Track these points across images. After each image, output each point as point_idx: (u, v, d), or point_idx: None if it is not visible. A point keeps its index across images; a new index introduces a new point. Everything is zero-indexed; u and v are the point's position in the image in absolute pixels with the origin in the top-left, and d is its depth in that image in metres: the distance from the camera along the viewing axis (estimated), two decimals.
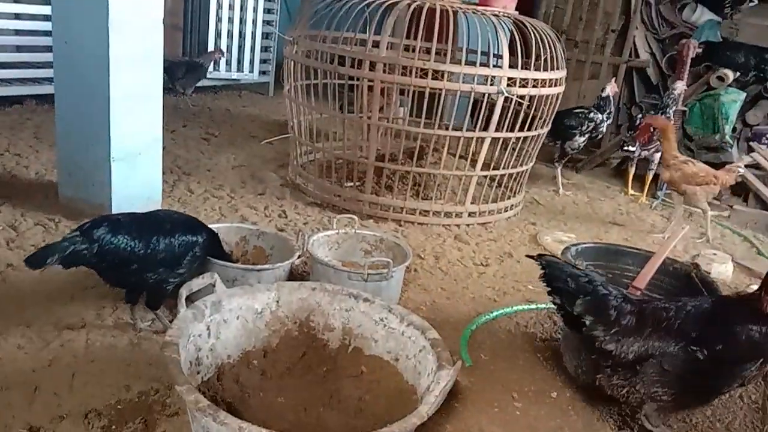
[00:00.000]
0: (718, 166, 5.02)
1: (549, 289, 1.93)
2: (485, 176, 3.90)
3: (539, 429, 2.01)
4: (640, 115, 5.23)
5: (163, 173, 3.38)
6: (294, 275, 2.74)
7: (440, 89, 3.53)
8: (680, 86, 4.67)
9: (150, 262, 2.15)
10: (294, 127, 4.10)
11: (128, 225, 2.14)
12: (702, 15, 5.63)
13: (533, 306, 2.85)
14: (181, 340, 1.65)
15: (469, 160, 3.96)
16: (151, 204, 2.93)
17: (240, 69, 6.86)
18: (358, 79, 3.72)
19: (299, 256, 2.63)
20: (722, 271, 3.41)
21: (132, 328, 2.24)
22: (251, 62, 6.96)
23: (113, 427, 1.75)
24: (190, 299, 1.88)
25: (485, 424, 1.99)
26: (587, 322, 1.84)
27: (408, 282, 2.92)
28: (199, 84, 6.19)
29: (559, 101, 4.02)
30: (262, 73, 7.18)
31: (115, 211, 2.93)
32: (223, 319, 1.89)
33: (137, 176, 3.09)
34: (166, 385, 1.92)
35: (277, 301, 2.02)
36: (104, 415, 1.79)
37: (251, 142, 5.05)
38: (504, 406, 2.10)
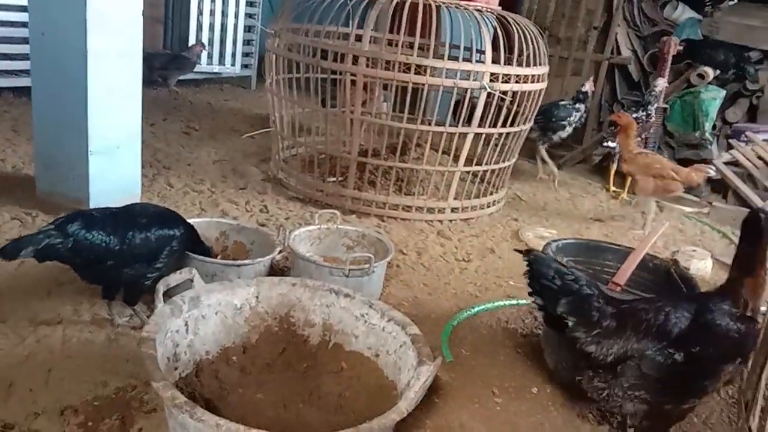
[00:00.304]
0: (696, 162, 5.11)
1: (531, 286, 1.88)
2: (468, 172, 3.90)
3: (519, 425, 2.02)
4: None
5: (143, 167, 3.33)
6: (275, 271, 2.72)
7: (423, 84, 3.52)
8: (661, 83, 4.71)
9: (126, 257, 2.12)
10: (276, 122, 4.07)
11: (103, 220, 2.11)
12: (683, 13, 5.67)
13: (514, 302, 2.86)
14: (158, 335, 1.63)
15: (452, 155, 3.97)
16: (129, 198, 2.89)
17: (222, 62, 6.80)
18: (340, 73, 3.70)
19: (280, 252, 2.61)
20: (701, 267, 3.44)
21: (109, 324, 2.21)
22: (233, 55, 6.90)
23: (90, 423, 1.73)
24: (168, 294, 1.85)
25: (465, 420, 1.99)
26: (570, 323, 1.79)
27: (390, 277, 2.91)
28: (181, 77, 6.12)
29: (541, 97, 4.04)
30: (245, 66, 7.12)
31: (93, 205, 2.89)
32: (201, 315, 1.87)
33: (116, 170, 3.04)
34: (143, 381, 1.89)
35: (257, 297, 2.00)
36: (80, 411, 1.76)
37: (233, 136, 5.01)
38: (484, 402, 2.10)
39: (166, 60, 5.87)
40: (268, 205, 3.62)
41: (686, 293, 1.99)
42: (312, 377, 1.94)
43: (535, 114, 4.11)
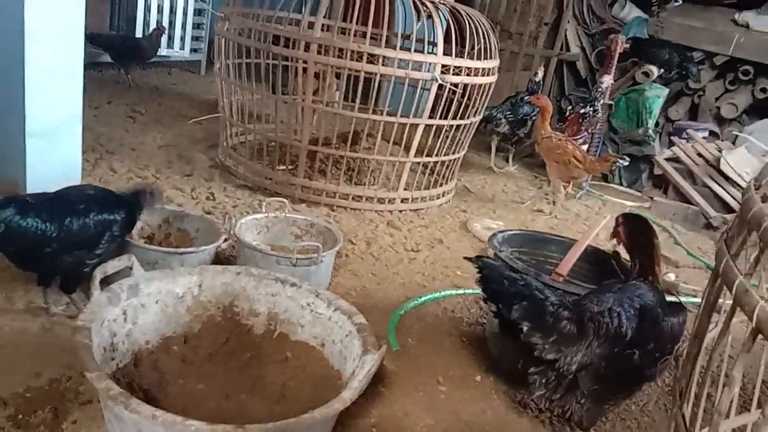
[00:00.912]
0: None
1: (484, 292, 1.83)
2: (418, 163, 3.91)
3: (463, 412, 2.04)
4: (570, 107, 5.38)
5: (84, 151, 3.21)
6: (220, 260, 2.67)
7: (375, 73, 3.50)
8: (607, 80, 4.82)
9: (64, 244, 2.04)
10: (224, 107, 3.99)
11: (38, 206, 2.02)
12: (630, 12, 5.81)
13: (461, 291, 2.89)
14: (93, 324, 1.58)
15: (402, 146, 3.97)
16: (69, 184, 2.78)
17: (170, 45, 6.61)
18: (291, 60, 3.65)
19: (225, 240, 2.56)
20: None
21: (44, 313, 2.13)
22: (182, 39, 6.72)
23: (20, 416, 1.66)
24: (107, 283, 1.79)
25: (410, 408, 2.00)
26: (524, 329, 1.73)
27: (339, 267, 2.90)
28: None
29: (491, 90, 4.07)
30: (194, 50, 6.95)
31: (30, 190, 2.76)
32: (140, 304, 1.82)
33: (54, 153, 2.92)
34: (79, 372, 1.83)
35: (200, 286, 1.96)
36: (11, 404, 1.69)
37: (180, 122, 4.89)
38: (429, 390, 2.12)
39: (118, 43, 5.72)
40: (215, 192, 3.55)
41: (617, 283, 1.99)
42: (256, 367, 1.92)
43: (485, 106, 4.15)
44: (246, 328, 2.01)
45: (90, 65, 5.72)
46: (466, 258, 2.11)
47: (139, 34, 6.22)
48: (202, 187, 3.60)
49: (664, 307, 1.82)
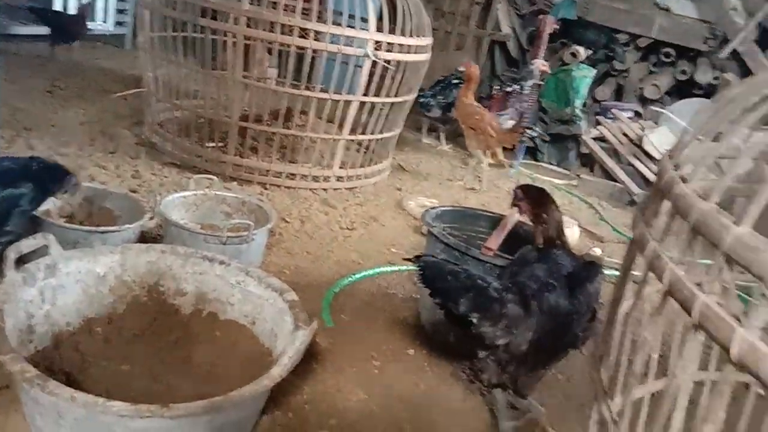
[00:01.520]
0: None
1: (428, 288, 1.83)
2: (353, 140, 3.89)
3: (396, 386, 2.06)
4: (497, 87, 5.46)
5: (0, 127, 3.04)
6: (146, 240, 2.58)
7: (307, 48, 3.44)
8: (538, 62, 4.92)
9: None
10: (149, 82, 3.84)
11: None
12: None
13: (395, 268, 2.91)
14: (7, 306, 1.50)
15: (336, 124, 3.93)
16: None
17: (93, 18, 6.30)
18: (219, 33, 3.54)
19: (151, 218, 2.48)
20: (569, 234, 3.64)
21: None
22: (105, 11, 6.42)
23: None
24: (23, 262, 1.70)
25: (344, 384, 2.00)
26: (474, 320, 1.73)
27: (272, 246, 2.86)
28: (44, 32, 5.62)
29: (425, 68, 4.08)
30: (119, 24, 6.65)
31: None
32: (59, 284, 1.74)
33: None
34: None
35: (122, 265, 1.89)
36: None
37: (103, 97, 4.67)
38: (363, 366, 2.13)
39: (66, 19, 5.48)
40: (141, 170, 3.43)
41: (533, 251, 2.03)
42: (183, 347, 1.87)
43: (419, 85, 4.16)
44: (173, 308, 1.95)
45: (3, 37, 5.40)
46: (405, 259, 2.11)
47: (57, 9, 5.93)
48: (126, 164, 3.47)
49: (585, 268, 1.89)
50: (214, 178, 2.82)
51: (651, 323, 0.82)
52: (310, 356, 2.05)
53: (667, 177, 0.82)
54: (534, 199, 2.10)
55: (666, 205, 0.83)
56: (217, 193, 2.79)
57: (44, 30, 5.57)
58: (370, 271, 2.83)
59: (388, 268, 2.90)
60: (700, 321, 0.66)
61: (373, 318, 2.46)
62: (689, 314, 0.67)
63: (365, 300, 2.60)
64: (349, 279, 2.72)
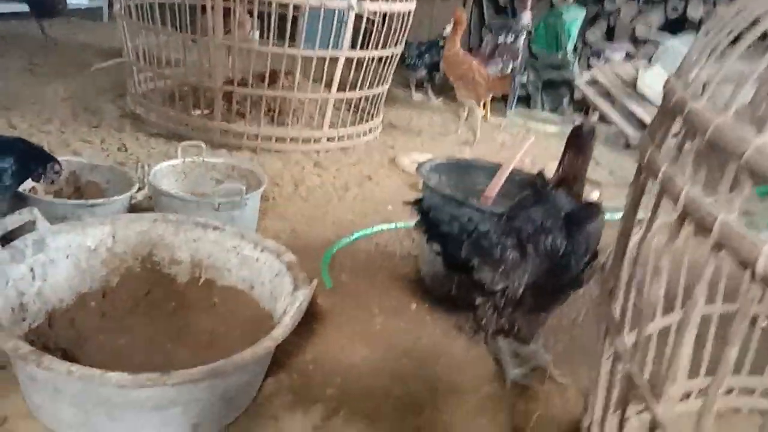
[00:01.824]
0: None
1: (426, 233, 1.80)
2: (342, 99, 3.80)
3: (399, 341, 2.03)
4: (488, 37, 5.34)
5: None
6: (137, 211, 2.52)
7: (288, 5, 3.33)
8: (527, 17, 4.80)
9: None
10: (129, 52, 3.73)
11: None
12: None
13: (392, 225, 2.86)
14: None
15: (324, 82, 3.84)
16: None
17: None
18: None
19: (140, 189, 2.42)
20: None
21: None
22: None
23: None
24: (9, 240, 1.65)
25: (346, 342, 1.97)
26: (475, 265, 1.69)
27: (266, 211, 2.80)
28: (18, 9, 5.47)
29: (411, 19, 3.97)
30: None
31: None
32: (49, 260, 1.69)
33: None
34: None
35: (113, 236, 1.84)
36: None
37: (83, 72, 4.56)
38: (365, 323, 2.10)
39: None
40: (127, 142, 3.35)
41: (532, 196, 1.97)
42: (181, 316, 1.83)
43: (405, 36, 4.05)
44: (168, 277, 1.91)
45: None
46: (405, 202, 2.05)
47: None
48: (112, 138, 3.39)
49: (584, 209, 1.84)
50: (201, 143, 2.75)
51: (666, 252, 0.78)
52: (311, 317, 2.02)
53: (677, 96, 0.76)
54: (576, 137, 1.93)
55: (676, 126, 0.78)
56: (207, 160, 2.72)
57: (22, 7, 5.41)
58: (368, 230, 2.78)
59: (386, 226, 2.85)
60: (720, 240, 0.61)
61: (373, 276, 2.42)
62: (708, 234, 0.62)
63: (364, 259, 2.56)
64: (347, 239, 2.67)
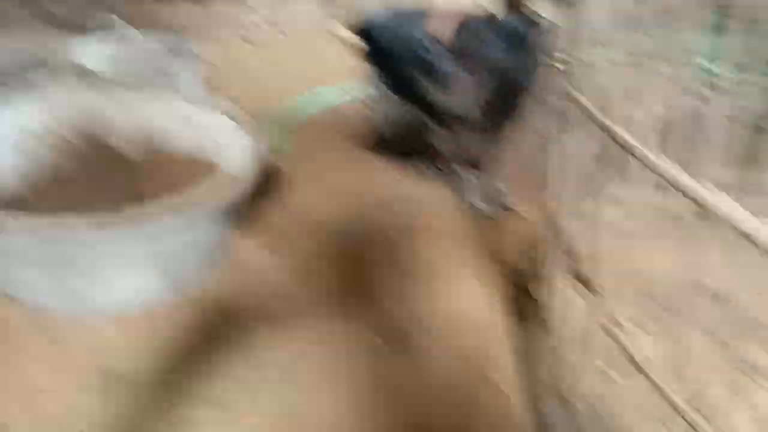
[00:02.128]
0: None
1: (370, 56, 1.77)
2: None
3: (365, 191, 2.04)
4: None
5: None
6: None
7: None
8: None
9: None
10: None
11: None
12: None
13: (345, 87, 2.76)
14: None
15: None
16: None
17: None
18: None
19: None
20: None
21: None
22: None
23: None
24: None
25: (315, 200, 1.98)
26: (424, 86, 1.72)
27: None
28: None
29: None
30: None
31: None
32: None
33: None
34: None
35: (52, 115, 1.71)
36: None
37: None
38: (330, 181, 2.08)
39: None
40: None
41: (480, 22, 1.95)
42: (134, 186, 1.75)
43: None
44: (115, 152, 1.82)
45: None
46: (351, 29, 1.97)
47: None
48: None
49: (527, 24, 1.82)
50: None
51: None
52: (276, 182, 1.99)
53: None
54: None
55: None
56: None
57: None
58: (320, 97, 2.70)
59: (339, 88, 2.75)
60: None
61: (330, 138, 2.38)
62: None
63: (320, 123, 2.50)
64: (300, 105, 2.59)
